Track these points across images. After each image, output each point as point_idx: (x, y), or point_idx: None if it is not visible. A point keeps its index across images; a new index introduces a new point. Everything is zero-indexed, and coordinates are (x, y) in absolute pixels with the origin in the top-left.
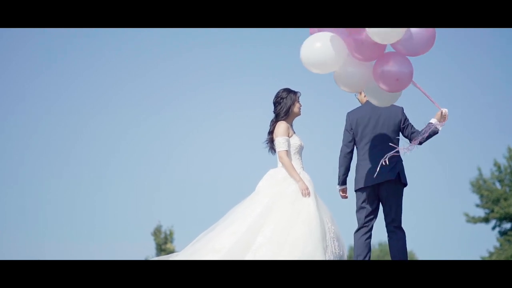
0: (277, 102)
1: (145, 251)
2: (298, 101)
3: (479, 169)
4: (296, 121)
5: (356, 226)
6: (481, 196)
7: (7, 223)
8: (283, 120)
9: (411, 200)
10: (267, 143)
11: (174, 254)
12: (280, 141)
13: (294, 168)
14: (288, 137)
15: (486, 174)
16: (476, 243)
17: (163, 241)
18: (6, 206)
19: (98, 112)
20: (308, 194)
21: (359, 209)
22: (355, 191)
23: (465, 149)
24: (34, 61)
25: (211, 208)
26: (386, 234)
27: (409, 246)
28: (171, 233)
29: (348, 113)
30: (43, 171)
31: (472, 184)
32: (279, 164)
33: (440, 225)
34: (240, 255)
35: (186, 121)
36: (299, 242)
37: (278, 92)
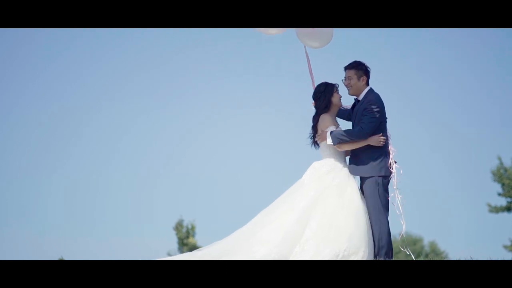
0: (316, 97)
1: (167, 245)
2: (337, 92)
3: (499, 158)
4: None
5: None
6: (503, 185)
7: (25, 221)
8: (325, 113)
9: (433, 191)
10: (311, 138)
11: (216, 242)
12: (332, 131)
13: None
14: (336, 127)
15: (507, 162)
16: (499, 232)
17: (185, 235)
18: (33, 204)
19: (116, 106)
20: (383, 141)
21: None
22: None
23: (484, 138)
24: (33, 61)
25: (232, 201)
26: None
27: (432, 237)
28: (192, 227)
29: None
30: (61, 167)
31: (493, 173)
32: (324, 157)
33: (463, 215)
34: (289, 248)
35: (207, 115)
36: (345, 235)
37: (316, 87)
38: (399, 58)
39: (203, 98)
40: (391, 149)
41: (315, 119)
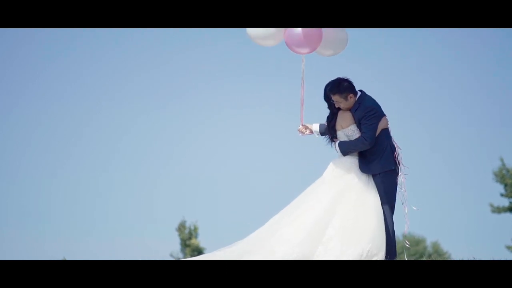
0: (328, 98)
1: (169, 247)
2: None
3: (502, 159)
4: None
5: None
6: (505, 186)
7: (33, 221)
8: (340, 110)
9: (435, 192)
10: (329, 138)
11: (236, 243)
12: (353, 130)
13: None
14: (355, 125)
15: (509, 163)
16: (501, 233)
17: (188, 236)
18: (41, 203)
19: (116, 106)
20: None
21: None
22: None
23: (487, 139)
24: (33, 61)
25: (234, 202)
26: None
27: (435, 237)
28: (195, 229)
29: None
30: (61, 167)
31: (495, 174)
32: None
33: (465, 215)
34: (311, 248)
35: (207, 115)
36: (368, 235)
37: (324, 89)
38: (399, 58)
39: (203, 98)
40: (395, 143)
41: (333, 118)
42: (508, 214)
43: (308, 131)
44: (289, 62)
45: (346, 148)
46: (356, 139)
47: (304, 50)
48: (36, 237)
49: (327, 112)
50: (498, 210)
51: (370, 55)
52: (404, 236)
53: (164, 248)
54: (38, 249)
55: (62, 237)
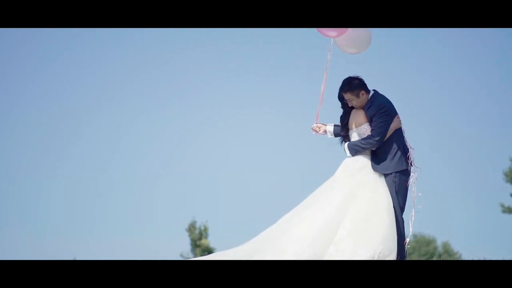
0: (341, 97)
1: (180, 247)
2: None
3: None
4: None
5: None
6: None
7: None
8: (354, 109)
9: (446, 192)
10: (342, 136)
11: (247, 242)
12: (366, 129)
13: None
14: (368, 123)
15: None
16: None
17: (198, 236)
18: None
19: (116, 106)
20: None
21: None
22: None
23: (497, 139)
24: (33, 61)
25: (245, 202)
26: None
27: (446, 238)
28: (205, 229)
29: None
30: (61, 167)
31: (506, 174)
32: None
33: (476, 215)
34: (322, 248)
35: (207, 115)
36: (380, 235)
37: (339, 88)
38: (399, 58)
39: (203, 98)
40: (408, 143)
41: (346, 117)
42: None
43: (322, 131)
44: (290, 62)
45: (355, 148)
46: (365, 137)
47: (332, 34)
48: (36, 237)
49: (340, 112)
50: (508, 210)
51: (370, 55)
52: (407, 241)
53: (174, 248)
54: (38, 249)
55: (62, 237)
